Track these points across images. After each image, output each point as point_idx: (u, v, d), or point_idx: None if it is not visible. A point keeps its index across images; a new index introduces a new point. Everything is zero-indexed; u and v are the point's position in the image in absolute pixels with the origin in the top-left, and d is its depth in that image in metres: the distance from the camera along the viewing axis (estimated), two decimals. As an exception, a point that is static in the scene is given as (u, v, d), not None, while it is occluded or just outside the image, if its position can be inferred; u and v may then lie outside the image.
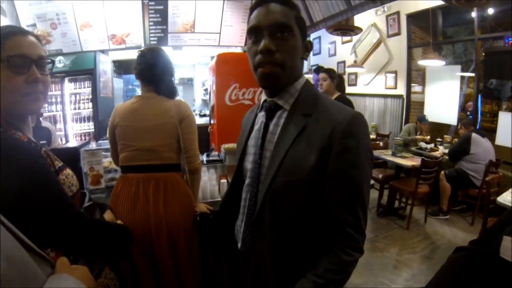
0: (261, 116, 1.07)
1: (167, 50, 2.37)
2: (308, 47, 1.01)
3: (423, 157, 4.22)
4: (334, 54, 8.09)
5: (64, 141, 4.85)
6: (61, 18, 4.59)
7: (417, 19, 5.77)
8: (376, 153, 4.80)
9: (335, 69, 5.75)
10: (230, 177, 2.61)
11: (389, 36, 6.23)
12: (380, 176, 4.76)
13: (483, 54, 5.18)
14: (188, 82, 10.06)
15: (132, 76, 2.21)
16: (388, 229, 4.12)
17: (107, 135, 2.07)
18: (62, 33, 4.68)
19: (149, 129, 1.88)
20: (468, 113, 5.70)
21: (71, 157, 2.47)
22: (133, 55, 2.03)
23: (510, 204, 2.72)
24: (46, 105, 4.99)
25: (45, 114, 4.98)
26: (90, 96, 5.22)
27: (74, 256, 0.97)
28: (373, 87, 6.85)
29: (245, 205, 1.05)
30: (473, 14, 4.92)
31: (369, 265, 3.21)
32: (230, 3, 4.99)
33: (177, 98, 2.04)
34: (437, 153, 4.89)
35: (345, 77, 7.25)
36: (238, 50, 5.42)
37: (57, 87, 5.09)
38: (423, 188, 4.14)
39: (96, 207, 1.31)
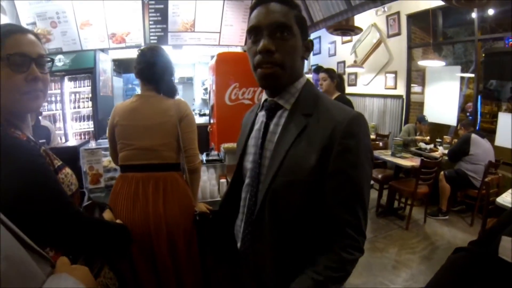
0: (261, 116, 1.07)
1: (167, 49, 2.36)
2: (309, 47, 1.01)
3: (422, 158, 4.23)
4: (334, 54, 8.09)
5: (63, 140, 4.85)
6: (61, 17, 4.58)
7: (417, 19, 5.77)
8: (376, 153, 4.80)
9: (335, 69, 5.75)
10: (229, 176, 2.60)
11: (389, 36, 6.23)
12: (380, 176, 4.77)
13: (483, 55, 5.18)
14: (188, 81, 10.06)
15: (132, 75, 2.21)
16: (387, 229, 4.12)
17: (107, 134, 2.07)
18: (62, 31, 4.68)
19: (148, 128, 1.87)
20: (468, 114, 5.70)
21: (70, 156, 2.46)
22: (133, 54, 2.03)
23: (509, 205, 2.73)
24: (45, 104, 4.99)
25: (44, 113, 4.98)
26: (90, 95, 5.21)
27: (73, 255, 0.96)
28: (373, 87, 6.85)
29: (244, 204, 1.05)
30: (473, 15, 4.92)
31: (369, 265, 3.21)
32: (230, 3, 4.99)
33: (177, 97, 2.04)
34: (436, 154, 4.89)
35: (345, 77, 7.24)
36: (238, 49, 5.43)
37: (56, 86, 5.09)
38: (423, 188, 4.14)
39: (95, 206, 1.31)
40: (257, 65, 0.94)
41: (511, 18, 4.25)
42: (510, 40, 4.83)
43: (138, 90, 2.04)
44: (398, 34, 6.01)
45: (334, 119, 0.90)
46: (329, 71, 3.55)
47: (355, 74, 7.35)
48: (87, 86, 5.20)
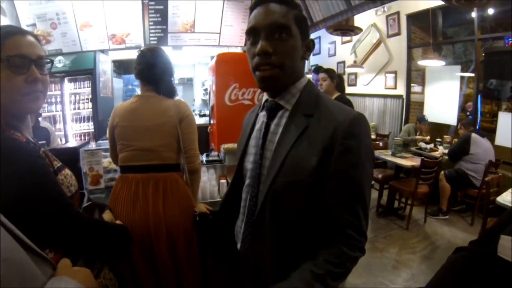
0: (262, 116, 1.07)
1: (167, 50, 2.36)
2: (310, 46, 1.00)
3: (422, 157, 4.23)
4: (334, 54, 8.09)
5: (63, 141, 4.85)
6: (61, 18, 4.59)
7: (417, 19, 5.77)
8: (376, 153, 4.79)
9: (335, 69, 5.75)
10: (229, 177, 2.61)
11: (389, 36, 6.23)
12: (380, 176, 4.77)
13: (483, 54, 5.18)
14: (188, 82, 10.07)
15: (132, 76, 2.21)
16: (387, 229, 4.12)
17: (107, 135, 2.07)
18: (62, 33, 4.68)
19: (148, 129, 1.87)
20: (468, 113, 5.70)
21: (70, 157, 2.47)
22: (133, 55, 2.03)
23: (509, 204, 2.72)
24: (45, 105, 4.99)
25: (44, 114, 4.98)
26: (90, 96, 5.22)
27: (72, 256, 0.96)
28: (372, 87, 6.84)
29: (245, 205, 1.05)
30: (473, 15, 4.92)
31: (369, 265, 3.21)
32: (230, 3, 4.99)
33: (177, 98, 2.04)
34: (436, 153, 4.88)
35: (345, 77, 7.24)
36: (238, 50, 5.42)
37: (56, 87, 5.09)
38: (423, 188, 4.14)
39: (95, 207, 1.31)
40: (255, 67, 0.94)
41: (511, 18, 4.24)
42: (510, 39, 4.83)
43: (138, 91, 2.04)
44: (398, 34, 6.01)
45: (335, 119, 0.89)
46: (329, 71, 3.54)
47: (355, 74, 7.35)
48: (87, 87, 5.20)
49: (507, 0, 4.13)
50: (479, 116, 5.21)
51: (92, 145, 2.85)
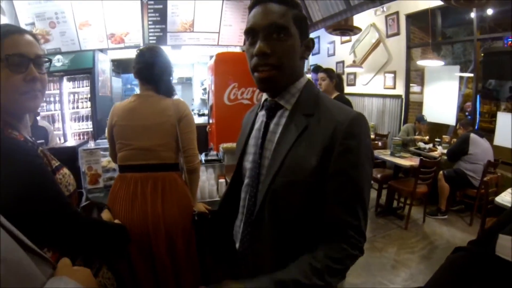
0: (261, 116, 1.06)
1: (166, 49, 2.36)
2: (309, 46, 0.99)
3: (421, 157, 4.23)
4: (333, 54, 8.09)
5: (62, 140, 4.85)
6: (60, 17, 4.58)
7: (416, 19, 5.77)
8: (375, 153, 4.80)
9: (334, 69, 5.76)
10: (228, 176, 2.61)
11: (388, 36, 6.23)
12: (379, 176, 4.77)
13: (482, 54, 5.19)
14: (187, 82, 10.06)
15: (131, 75, 2.21)
16: (386, 229, 4.12)
17: (106, 134, 2.07)
18: (60, 32, 4.68)
19: (147, 128, 1.87)
20: (467, 113, 5.70)
21: (69, 156, 2.46)
22: (132, 54, 2.03)
23: (508, 204, 2.73)
24: (44, 104, 5.00)
25: (43, 113, 4.98)
26: (89, 95, 5.22)
27: (71, 256, 0.96)
28: (372, 87, 6.84)
29: (244, 205, 1.04)
30: (472, 15, 4.92)
31: (368, 265, 3.21)
32: (229, 3, 4.99)
33: (176, 97, 2.04)
34: (435, 153, 4.89)
35: (344, 77, 7.24)
36: (237, 49, 5.43)
37: (55, 86, 5.09)
38: (422, 188, 4.14)
39: (93, 206, 1.31)
40: (254, 67, 0.93)
41: (510, 18, 4.25)
42: (509, 39, 4.84)
43: (137, 91, 2.04)
44: (397, 34, 6.01)
45: (335, 119, 0.89)
46: (328, 71, 3.55)
47: (354, 74, 7.35)
48: (86, 86, 5.20)
49: (506, 0, 4.13)
50: (478, 116, 5.22)
51: (91, 144, 2.85)
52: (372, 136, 6.26)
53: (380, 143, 5.67)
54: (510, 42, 4.85)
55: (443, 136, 5.37)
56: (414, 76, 6.13)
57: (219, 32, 5.16)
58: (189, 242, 1.95)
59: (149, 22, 4.90)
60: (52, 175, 0.99)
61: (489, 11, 4.81)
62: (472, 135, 4.27)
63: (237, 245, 1.07)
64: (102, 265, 1.13)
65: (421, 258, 3.42)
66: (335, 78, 3.54)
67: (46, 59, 1.03)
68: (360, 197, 0.88)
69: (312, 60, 8.56)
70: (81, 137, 5.24)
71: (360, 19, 5.88)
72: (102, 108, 5.17)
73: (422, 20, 5.54)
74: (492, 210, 3.13)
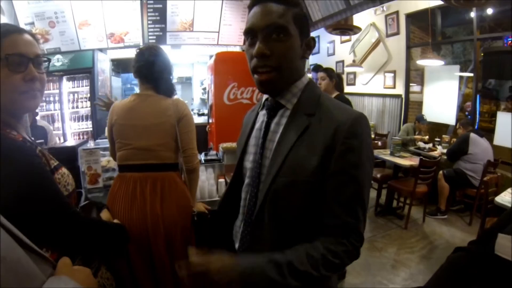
0: (262, 115, 1.06)
1: (165, 48, 2.36)
2: (310, 45, 0.98)
3: (421, 157, 4.22)
4: (333, 54, 8.09)
5: (62, 140, 4.85)
6: (59, 17, 4.58)
7: (416, 19, 5.77)
8: (375, 152, 4.78)
9: (334, 68, 5.75)
10: (228, 176, 2.61)
11: (388, 35, 6.23)
12: (379, 175, 4.77)
13: (482, 54, 5.18)
14: (187, 81, 10.06)
15: (131, 75, 2.21)
16: (386, 229, 4.13)
17: (106, 133, 2.06)
18: (60, 31, 4.67)
19: (146, 128, 1.87)
20: (467, 113, 5.71)
21: (69, 156, 2.46)
22: (131, 54, 2.03)
23: (508, 204, 2.73)
24: (44, 104, 5.00)
25: (43, 113, 4.99)
26: (88, 95, 5.21)
27: (70, 255, 0.96)
28: (371, 86, 6.84)
29: (245, 205, 1.04)
30: (472, 14, 4.92)
31: (367, 265, 3.21)
32: (229, 2, 4.99)
33: (175, 97, 2.03)
34: (435, 153, 4.89)
35: (344, 76, 7.24)
36: (237, 49, 5.42)
37: (55, 86, 5.09)
38: (421, 188, 4.14)
39: (93, 206, 1.31)
40: (253, 69, 0.93)
41: (510, 18, 4.25)
42: (509, 39, 4.84)
43: (137, 90, 2.03)
44: (397, 33, 6.01)
45: (336, 119, 0.89)
46: (327, 71, 3.54)
47: (354, 73, 7.35)
48: (86, 86, 5.20)
49: (506, 0, 4.13)
50: (477, 116, 5.21)
51: (91, 144, 2.85)
52: (372, 136, 6.26)
53: (379, 143, 5.66)
54: (510, 41, 4.86)
55: (443, 135, 5.37)
56: (414, 75, 6.12)
57: (218, 32, 5.16)
58: (188, 242, 1.94)
59: (149, 22, 4.90)
60: (50, 175, 0.99)
61: (489, 11, 4.81)
62: (472, 135, 4.27)
63: (237, 245, 1.07)
64: (101, 265, 1.13)
65: (421, 257, 3.42)
66: (335, 77, 3.54)
67: (45, 59, 1.03)
68: (360, 197, 0.88)
69: (311, 59, 8.54)
70: (81, 136, 5.24)
71: (360, 19, 5.88)
72: (100, 110, 5.16)
73: (422, 19, 5.54)
74: (492, 210, 3.13)
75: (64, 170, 1.08)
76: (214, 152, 2.99)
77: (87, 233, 1.06)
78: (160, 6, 4.82)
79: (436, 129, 5.78)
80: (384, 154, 4.83)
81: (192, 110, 7.99)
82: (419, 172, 4.00)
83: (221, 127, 3.91)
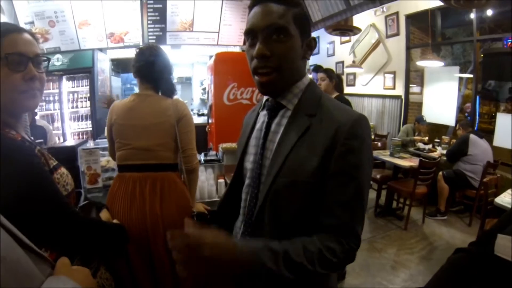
0: (262, 116, 1.06)
1: (165, 48, 2.36)
2: (311, 45, 0.98)
3: (421, 158, 4.22)
4: (333, 54, 8.09)
5: (61, 140, 4.85)
6: (59, 16, 4.58)
7: (416, 20, 5.77)
8: (374, 153, 4.79)
9: (334, 69, 5.75)
10: (227, 176, 2.61)
11: (388, 36, 6.23)
12: (378, 176, 4.77)
13: (482, 55, 5.19)
14: (187, 81, 10.07)
15: (130, 75, 2.21)
16: (386, 230, 4.12)
17: (105, 132, 2.06)
18: (60, 31, 4.67)
19: (145, 128, 1.87)
20: (466, 114, 5.71)
21: (68, 156, 2.46)
22: (131, 53, 2.03)
23: (507, 205, 2.73)
24: (43, 103, 4.99)
25: (42, 113, 4.98)
26: (88, 95, 5.21)
27: (69, 256, 0.96)
28: (371, 87, 6.85)
29: (245, 206, 1.03)
30: (472, 16, 4.92)
31: (367, 266, 3.21)
32: (229, 2, 4.99)
33: (175, 97, 2.03)
34: (435, 154, 4.89)
35: (344, 77, 7.24)
36: (237, 49, 5.42)
37: (55, 85, 5.09)
38: (421, 188, 4.14)
39: (92, 206, 1.30)
40: (254, 70, 0.93)
41: (510, 19, 4.25)
42: (509, 40, 4.84)
43: (137, 90, 2.03)
44: (397, 34, 6.01)
45: (337, 120, 0.88)
46: (327, 71, 3.54)
47: (354, 74, 7.35)
48: (85, 85, 5.20)
49: (506, 1, 4.13)
50: (477, 117, 5.22)
51: (90, 144, 2.85)
52: (372, 137, 6.26)
53: (379, 144, 5.66)
54: (509, 43, 4.86)
55: (443, 136, 5.37)
56: (413, 76, 6.13)
57: (218, 32, 5.16)
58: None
59: (149, 22, 4.90)
60: (49, 175, 0.98)
61: (489, 12, 4.82)
62: (472, 136, 4.27)
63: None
64: (100, 265, 1.13)
65: (421, 258, 3.41)
66: (334, 78, 3.54)
67: (45, 58, 1.03)
68: (359, 198, 0.88)
69: (311, 60, 8.54)
70: (81, 136, 5.23)
71: (360, 19, 5.88)
72: (101, 108, 5.17)
73: (422, 20, 5.54)
74: (492, 211, 3.13)
75: (63, 170, 1.07)
76: (213, 152, 2.99)
77: (86, 233, 1.06)
78: (160, 6, 4.82)
79: (436, 130, 5.79)
80: (383, 155, 4.83)
81: (192, 110, 7.99)
82: (418, 173, 4.00)
83: (220, 127, 3.91)
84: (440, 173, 4.41)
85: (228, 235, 0.81)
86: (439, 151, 5.03)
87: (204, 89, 8.69)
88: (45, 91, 1.05)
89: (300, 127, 0.91)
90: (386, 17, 6.11)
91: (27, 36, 0.98)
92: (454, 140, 4.89)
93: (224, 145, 2.86)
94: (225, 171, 2.66)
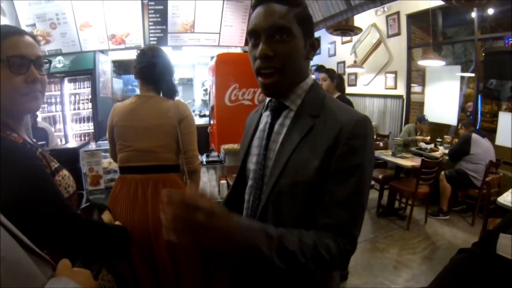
0: (265, 116, 1.05)
1: (166, 50, 2.36)
2: (314, 46, 0.98)
3: (423, 158, 4.22)
4: (334, 54, 8.09)
5: (63, 142, 4.85)
6: (60, 18, 4.58)
7: (417, 19, 5.77)
8: (376, 153, 4.78)
9: (335, 69, 5.75)
10: (230, 177, 2.61)
11: (389, 36, 6.23)
12: (380, 176, 4.76)
13: (483, 54, 5.17)
14: (188, 83, 10.07)
15: (132, 77, 2.21)
16: (388, 230, 4.12)
17: (107, 134, 2.07)
18: (61, 33, 4.67)
19: (147, 130, 1.87)
20: (468, 113, 5.69)
21: (70, 157, 2.47)
22: (132, 55, 2.03)
23: (510, 205, 2.72)
24: (45, 105, 5.00)
25: (44, 115, 4.99)
26: (90, 97, 5.21)
27: (70, 258, 0.96)
28: (373, 87, 6.84)
29: (248, 206, 1.03)
30: (473, 15, 4.92)
31: (369, 266, 3.21)
32: (230, 3, 4.98)
33: (176, 98, 2.03)
34: (437, 154, 4.88)
35: (345, 77, 7.24)
36: (238, 50, 5.42)
37: (56, 87, 5.09)
38: (423, 188, 4.13)
39: (94, 208, 1.30)
40: (257, 71, 0.92)
41: (511, 18, 4.24)
42: (510, 39, 4.82)
43: (138, 91, 2.03)
44: (398, 34, 6.01)
45: (340, 120, 0.88)
46: (329, 71, 3.54)
47: (355, 74, 7.35)
48: (87, 87, 5.19)
49: (507, 0, 4.12)
50: (479, 116, 5.20)
51: (92, 146, 2.85)
52: (374, 137, 6.24)
53: (381, 144, 5.66)
54: (511, 41, 4.84)
55: (445, 136, 5.37)
56: (415, 76, 6.12)
57: (219, 33, 5.15)
58: (190, 243, 1.94)
59: (150, 23, 4.89)
60: (51, 177, 0.99)
61: (490, 11, 4.81)
62: (474, 135, 4.26)
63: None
64: (102, 267, 1.13)
65: (423, 258, 3.41)
66: (336, 78, 3.54)
67: (46, 60, 1.04)
68: (359, 198, 0.88)
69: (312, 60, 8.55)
70: (82, 138, 5.23)
71: (361, 19, 5.88)
72: (103, 109, 5.17)
73: (423, 20, 5.54)
74: (494, 210, 3.12)
75: (65, 172, 1.08)
76: (215, 153, 3.00)
77: (88, 235, 1.06)
78: (161, 7, 4.82)
79: (438, 130, 5.78)
80: (385, 155, 4.82)
81: (193, 111, 7.99)
82: (420, 172, 3.99)
83: (222, 128, 3.91)
84: (442, 172, 4.40)
85: (234, 214, 0.77)
86: (441, 150, 5.02)
87: (205, 90, 8.70)
88: (46, 93, 1.05)
89: (303, 128, 0.91)
90: (387, 17, 6.11)
91: (28, 38, 0.98)
92: (456, 140, 4.88)
93: (226, 146, 2.86)
94: (227, 172, 2.67)
